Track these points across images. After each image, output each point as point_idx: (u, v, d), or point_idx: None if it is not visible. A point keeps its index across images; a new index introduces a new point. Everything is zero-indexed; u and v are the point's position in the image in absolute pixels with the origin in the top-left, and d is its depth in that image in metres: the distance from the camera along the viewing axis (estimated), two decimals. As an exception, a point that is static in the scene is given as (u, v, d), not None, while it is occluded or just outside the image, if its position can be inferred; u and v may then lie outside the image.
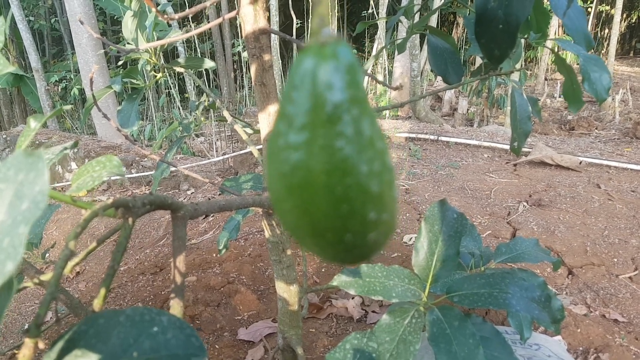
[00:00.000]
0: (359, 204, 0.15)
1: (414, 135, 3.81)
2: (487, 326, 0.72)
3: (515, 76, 4.55)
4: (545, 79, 7.48)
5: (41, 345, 0.35)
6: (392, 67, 6.31)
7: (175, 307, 0.51)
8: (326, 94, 0.14)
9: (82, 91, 6.54)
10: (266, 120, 0.80)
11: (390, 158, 0.15)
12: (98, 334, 0.34)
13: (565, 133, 4.60)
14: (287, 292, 0.95)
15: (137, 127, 1.10)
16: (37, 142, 4.14)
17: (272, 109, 0.80)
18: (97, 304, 0.43)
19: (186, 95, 7.18)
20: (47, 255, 2.03)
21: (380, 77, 7.18)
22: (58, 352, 0.34)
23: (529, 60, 9.19)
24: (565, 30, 0.78)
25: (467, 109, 5.58)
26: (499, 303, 0.68)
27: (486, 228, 2.16)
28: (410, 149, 3.57)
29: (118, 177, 3.56)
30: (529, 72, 8.87)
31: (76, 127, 6.48)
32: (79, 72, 4.88)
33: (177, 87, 6.25)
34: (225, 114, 1.04)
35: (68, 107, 0.49)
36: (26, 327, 1.62)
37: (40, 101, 5.81)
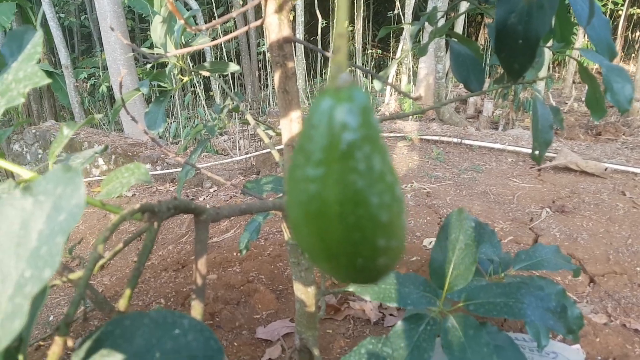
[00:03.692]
0: (369, 232, 0.16)
1: (436, 138, 3.79)
2: (502, 335, 0.72)
3: (540, 84, 4.49)
4: (573, 82, 7.36)
5: (70, 343, 0.37)
6: (417, 67, 6.27)
7: (196, 308, 0.53)
8: (341, 133, 0.15)
9: (109, 88, 6.67)
10: (288, 125, 0.82)
11: (400, 189, 0.17)
12: (123, 335, 0.36)
13: (591, 139, 4.52)
14: (304, 293, 0.96)
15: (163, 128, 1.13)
16: (66, 137, 4.24)
17: (294, 115, 0.82)
18: (122, 304, 0.45)
19: (211, 93, 7.26)
20: (74, 250, 2.08)
21: (405, 78, 7.14)
22: (86, 350, 0.36)
23: (556, 63, 9.04)
24: (589, 39, 0.77)
25: (493, 112, 5.53)
26: (515, 313, 0.68)
27: (508, 234, 2.14)
28: (432, 151, 3.55)
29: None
30: (556, 75, 8.72)
31: (104, 123, 6.61)
32: (107, 69, 4.98)
33: (202, 86, 6.33)
34: (248, 117, 1.06)
35: (99, 115, 0.51)
36: (51, 318, 1.66)
37: (69, 97, 5.94)
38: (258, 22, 0.80)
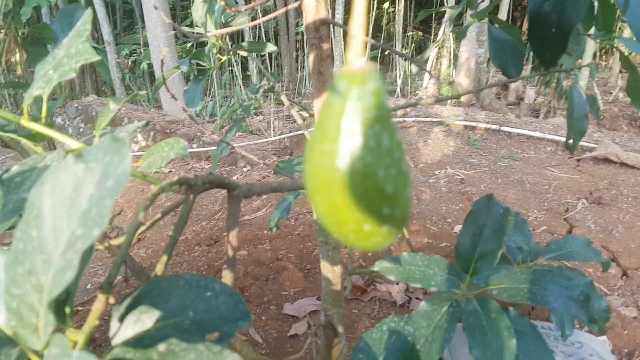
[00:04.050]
0: (376, 201, 0.18)
1: (474, 124, 3.73)
2: (524, 321, 0.73)
3: (584, 72, 4.35)
4: (620, 71, 7.07)
5: (111, 300, 0.40)
6: (458, 51, 6.15)
7: (227, 277, 0.56)
8: (353, 112, 0.17)
9: (150, 65, 6.80)
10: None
11: (406, 165, 0.19)
12: (160, 294, 0.39)
13: (635, 130, 4.36)
14: (331, 272, 0.99)
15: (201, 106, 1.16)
16: (108, 113, 4.36)
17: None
18: (159, 269, 0.49)
19: (248, 73, 7.32)
20: (113, 221, 2.17)
21: (445, 62, 7.01)
22: (126, 307, 0.39)
23: (603, 51, 8.70)
24: (629, 27, 0.76)
25: (534, 99, 5.39)
26: (537, 299, 0.69)
27: (542, 223, 2.11)
28: (469, 137, 3.50)
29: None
30: (603, 64, 8.40)
31: (143, 100, 6.76)
32: (148, 47, 5.08)
33: (239, 65, 6.38)
34: (283, 98, 1.09)
35: (143, 92, 0.54)
36: (89, 287, 1.75)
37: (110, 73, 6.09)
38: (296, 4, 0.81)
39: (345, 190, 0.18)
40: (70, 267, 0.29)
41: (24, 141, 0.59)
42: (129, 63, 7.22)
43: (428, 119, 3.90)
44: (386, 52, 8.10)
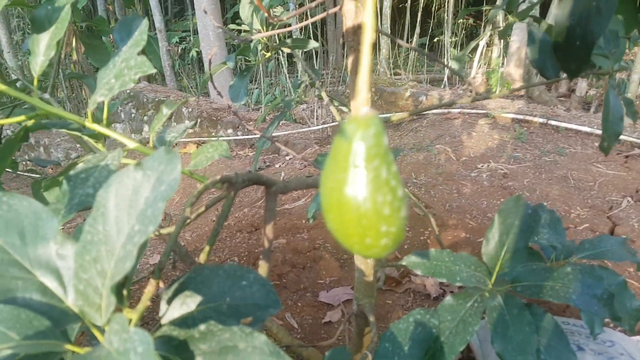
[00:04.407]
0: (375, 221, 0.22)
1: (521, 117, 3.66)
2: (548, 317, 0.76)
3: (634, 74, 4.17)
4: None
5: (161, 284, 0.46)
6: (509, 39, 5.97)
7: (262, 267, 0.61)
8: (358, 150, 0.21)
9: (199, 53, 6.95)
10: (357, 108, 0.88)
11: (401, 190, 0.23)
12: (203, 281, 0.44)
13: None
14: (363, 264, 1.03)
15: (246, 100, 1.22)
16: (157, 99, 4.53)
17: (364, 98, 0.87)
18: (202, 258, 0.55)
19: (294, 60, 7.37)
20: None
21: (496, 50, 6.83)
22: (173, 291, 0.45)
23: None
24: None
25: (586, 92, 5.21)
26: (559, 296, 0.71)
27: (584, 221, 2.08)
28: (515, 130, 3.44)
29: (226, 139, 3.82)
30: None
31: (192, 87, 6.94)
32: (198, 34, 5.21)
33: (285, 54, 6.44)
34: (323, 94, 1.13)
35: (192, 99, 0.60)
36: (137, 267, 1.86)
37: (161, 60, 6.27)
38: (336, 9, 0.85)
39: (351, 211, 0.22)
40: (130, 257, 0.35)
41: (86, 137, 0.66)
42: (179, 50, 7.40)
43: (473, 111, 3.85)
44: (435, 39, 7.95)
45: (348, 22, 0.82)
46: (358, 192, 0.22)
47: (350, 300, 1.53)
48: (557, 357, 0.74)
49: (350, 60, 0.86)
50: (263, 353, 0.36)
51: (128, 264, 0.35)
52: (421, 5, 6.85)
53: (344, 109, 1.26)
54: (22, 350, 0.35)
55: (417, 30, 6.86)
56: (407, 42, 7.63)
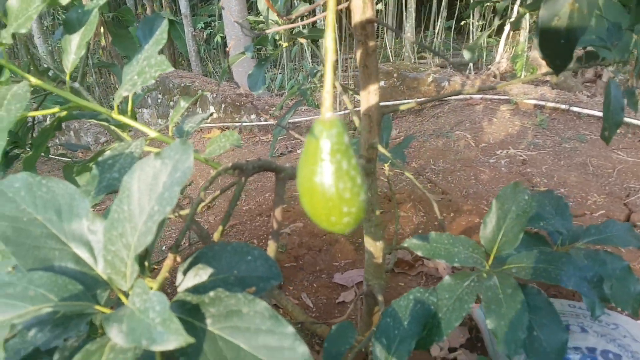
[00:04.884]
0: (337, 203, 0.28)
1: (543, 103, 3.63)
2: (541, 297, 0.80)
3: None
4: None
5: (178, 259, 0.53)
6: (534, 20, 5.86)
7: (271, 247, 0.68)
8: (324, 146, 0.27)
9: (223, 38, 7.02)
10: (366, 97, 0.92)
11: (360, 179, 0.28)
12: (214, 256, 0.51)
13: None
14: (373, 246, 1.08)
15: (264, 87, 1.27)
16: (183, 84, 4.62)
17: (372, 87, 0.92)
18: (216, 237, 0.61)
19: (318, 43, 7.38)
20: (185, 191, 2.36)
21: (523, 33, 6.72)
22: (188, 264, 0.51)
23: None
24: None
25: (613, 77, 5.10)
26: (551, 278, 0.76)
27: (600, 207, 2.09)
28: (536, 117, 3.43)
29: (249, 124, 3.89)
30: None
31: (216, 72, 7.02)
32: (222, 19, 5.26)
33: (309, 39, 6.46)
34: (337, 84, 1.18)
35: (212, 114, 0.66)
36: (164, 248, 1.95)
37: (187, 46, 6.36)
38: (345, 4, 0.90)
39: (319, 196, 0.28)
40: (150, 233, 0.41)
41: (113, 127, 0.73)
42: (204, 36, 7.48)
43: (496, 97, 3.83)
44: (462, 23, 7.82)
45: (356, 17, 0.87)
46: (324, 180, 0.27)
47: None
48: (548, 334, 0.79)
49: (358, 53, 0.91)
50: (263, 317, 0.42)
51: (149, 238, 0.41)
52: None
53: (357, 97, 1.31)
54: (60, 309, 0.41)
55: (444, 13, 6.76)
56: (434, 25, 7.53)
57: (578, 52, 1.16)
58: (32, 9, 0.51)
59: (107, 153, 0.59)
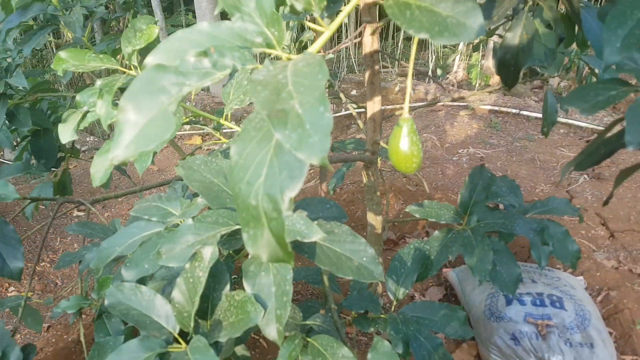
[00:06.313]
0: (410, 157, 0.62)
1: (496, 108, 4.08)
2: (501, 244, 1.15)
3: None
4: None
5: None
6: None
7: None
8: (404, 130, 0.61)
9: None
10: (371, 106, 1.25)
11: (419, 146, 0.62)
12: (307, 205, 0.82)
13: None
14: (374, 220, 1.42)
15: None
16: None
17: (376, 99, 1.25)
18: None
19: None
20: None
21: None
22: (294, 209, 0.83)
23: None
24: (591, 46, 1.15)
25: (558, 83, 5.65)
26: (507, 228, 1.11)
27: (547, 194, 2.50)
28: (491, 120, 3.86)
29: (235, 130, 4.17)
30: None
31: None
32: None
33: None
34: (342, 95, 1.51)
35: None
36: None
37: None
38: (358, 39, 1.23)
39: (401, 154, 0.61)
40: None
41: (212, 131, 1.03)
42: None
43: (455, 104, 4.26)
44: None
45: (366, 48, 1.20)
46: (404, 146, 0.61)
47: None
48: (507, 269, 1.14)
49: (367, 74, 1.24)
50: (347, 234, 0.74)
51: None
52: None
53: (354, 105, 1.64)
54: (236, 230, 0.73)
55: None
56: (394, 36, 7.98)
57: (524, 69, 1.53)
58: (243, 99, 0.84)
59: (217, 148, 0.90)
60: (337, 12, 1.08)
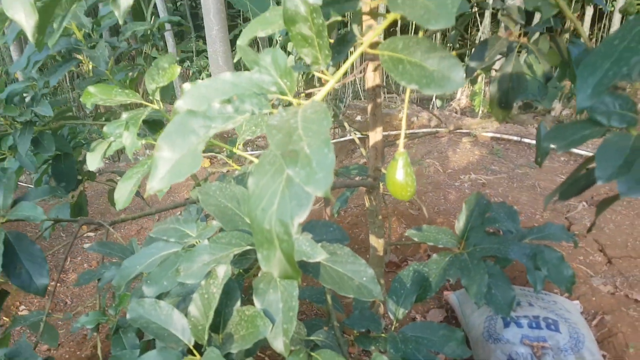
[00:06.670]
0: (405, 187, 0.69)
1: (499, 136, 4.16)
2: (496, 268, 1.21)
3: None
4: None
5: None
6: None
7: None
8: (399, 163, 0.68)
9: (209, 76, 7.40)
10: (374, 135, 1.33)
11: (413, 177, 0.69)
12: (312, 228, 0.89)
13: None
14: (376, 243, 1.48)
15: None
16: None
17: (378, 129, 1.33)
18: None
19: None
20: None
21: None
22: (300, 232, 0.90)
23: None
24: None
25: (560, 111, 5.74)
26: (502, 252, 1.17)
27: (546, 220, 2.55)
28: (493, 147, 3.94)
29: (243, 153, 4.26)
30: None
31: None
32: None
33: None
34: (346, 124, 1.59)
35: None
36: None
37: (174, 83, 6.72)
38: (361, 75, 1.31)
39: (397, 183, 0.68)
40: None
41: (225, 158, 1.11)
42: (191, 74, 7.81)
43: (458, 130, 4.35)
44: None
45: (369, 83, 1.28)
46: (400, 177, 0.68)
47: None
48: (502, 291, 1.20)
49: (370, 106, 1.32)
50: (348, 255, 0.81)
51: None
52: (412, 27, 7.35)
53: (359, 134, 1.72)
54: (248, 248, 0.80)
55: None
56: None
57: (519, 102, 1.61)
58: (255, 130, 0.92)
59: (236, 172, 0.98)
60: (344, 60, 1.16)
